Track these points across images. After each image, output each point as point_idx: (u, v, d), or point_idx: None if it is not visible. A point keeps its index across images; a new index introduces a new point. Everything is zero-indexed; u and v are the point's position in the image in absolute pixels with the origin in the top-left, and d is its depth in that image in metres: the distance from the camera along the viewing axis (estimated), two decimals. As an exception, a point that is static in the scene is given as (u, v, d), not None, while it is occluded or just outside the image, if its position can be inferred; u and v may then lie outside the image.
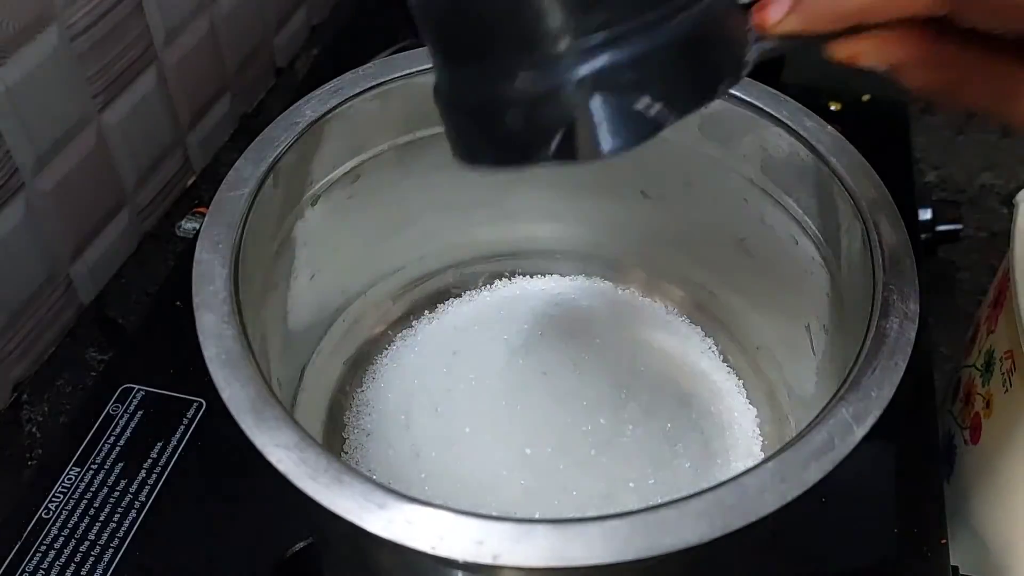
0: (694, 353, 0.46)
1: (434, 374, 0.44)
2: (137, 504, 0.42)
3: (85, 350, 0.53)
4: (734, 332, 0.47)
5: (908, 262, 0.33)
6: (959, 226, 0.56)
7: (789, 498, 0.26)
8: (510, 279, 0.50)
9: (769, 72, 0.35)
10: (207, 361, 0.29)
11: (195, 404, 0.46)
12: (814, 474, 0.27)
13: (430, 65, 0.40)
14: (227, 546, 0.41)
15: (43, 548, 0.41)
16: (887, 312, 0.32)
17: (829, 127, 0.38)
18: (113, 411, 0.45)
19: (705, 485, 0.27)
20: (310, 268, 0.41)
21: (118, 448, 0.44)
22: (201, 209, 0.59)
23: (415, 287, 0.48)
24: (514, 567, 0.25)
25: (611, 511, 0.26)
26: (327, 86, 0.38)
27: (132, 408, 0.45)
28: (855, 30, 0.24)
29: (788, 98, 0.39)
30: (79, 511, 0.42)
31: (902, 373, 0.30)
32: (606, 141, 0.23)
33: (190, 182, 0.63)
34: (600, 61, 0.23)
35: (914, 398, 0.46)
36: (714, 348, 0.46)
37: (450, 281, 0.49)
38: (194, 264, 0.32)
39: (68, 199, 0.51)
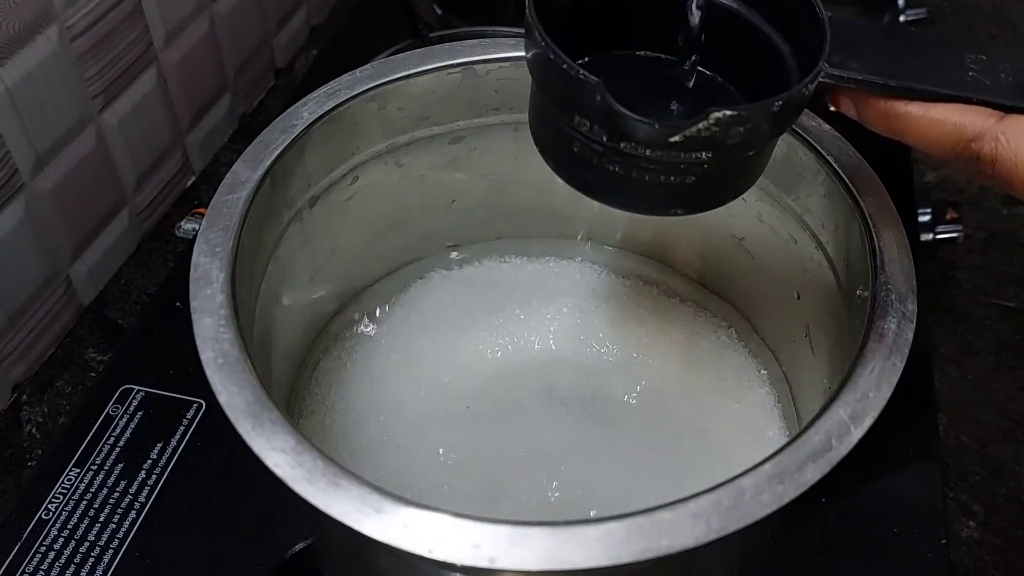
0: (704, 347, 0.46)
1: (434, 375, 0.44)
2: (137, 505, 0.42)
3: (85, 350, 0.53)
4: (733, 332, 0.47)
5: (907, 262, 0.33)
6: (959, 229, 0.56)
7: (787, 500, 0.26)
8: (510, 278, 0.49)
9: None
10: (204, 365, 0.29)
11: (195, 405, 0.46)
12: (812, 475, 0.27)
13: (428, 66, 0.40)
14: (227, 546, 0.41)
15: (43, 548, 0.41)
16: (885, 312, 0.31)
17: (829, 127, 0.38)
18: (113, 412, 0.45)
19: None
20: (308, 270, 0.41)
21: (118, 449, 0.44)
22: (201, 210, 0.59)
23: (414, 288, 0.48)
24: (511, 571, 0.25)
25: (610, 513, 0.26)
26: (325, 88, 0.38)
27: (132, 409, 0.46)
28: None
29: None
30: (79, 512, 0.42)
31: (900, 373, 0.30)
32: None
33: (190, 182, 0.63)
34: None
35: (913, 398, 0.46)
36: (729, 339, 0.46)
37: (449, 281, 0.49)
38: (191, 268, 0.32)
39: (68, 199, 0.51)
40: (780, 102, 0.27)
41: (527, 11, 0.28)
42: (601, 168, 0.29)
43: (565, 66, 0.27)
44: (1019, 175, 0.28)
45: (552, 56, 0.27)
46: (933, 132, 0.29)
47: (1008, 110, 0.29)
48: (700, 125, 0.26)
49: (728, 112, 0.26)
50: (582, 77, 0.27)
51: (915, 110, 0.29)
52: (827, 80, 0.29)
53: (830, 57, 0.28)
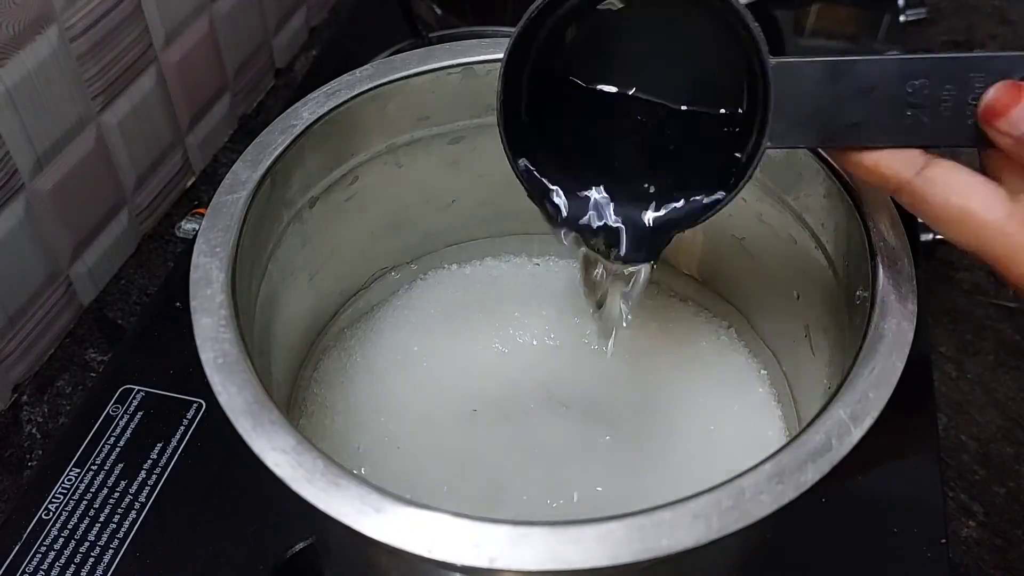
0: (704, 347, 0.46)
1: (434, 375, 0.44)
2: (137, 505, 0.42)
3: (85, 351, 0.53)
4: (733, 332, 0.47)
5: (907, 262, 0.33)
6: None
7: (786, 500, 0.26)
8: (510, 278, 0.49)
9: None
10: (204, 365, 0.29)
11: (195, 405, 0.46)
12: (811, 475, 0.27)
13: (428, 66, 0.40)
14: (227, 546, 0.41)
15: (43, 548, 0.41)
16: (885, 312, 0.31)
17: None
18: (113, 412, 0.45)
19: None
20: (308, 270, 0.41)
21: (118, 449, 0.44)
22: (200, 210, 0.59)
23: (414, 288, 0.48)
24: (511, 570, 0.25)
25: (610, 513, 0.26)
26: (324, 88, 0.38)
27: (132, 409, 0.46)
28: None
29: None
30: (79, 512, 0.42)
31: (900, 373, 0.30)
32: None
33: (189, 183, 0.63)
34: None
35: (913, 398, 0.46)
36: (729, 339, 0.46)
37: (448, 281, 0.49)
38: (191, 268, 0.32)
39: (68, 200, 0.51)
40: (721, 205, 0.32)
41: (503, 148, 0.33)
42: None
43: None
44: (943, 225, 0.29)
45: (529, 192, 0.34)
46: (872, 178, 0.30)
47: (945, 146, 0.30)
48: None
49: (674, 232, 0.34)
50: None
51: (854, 157, 0.31)
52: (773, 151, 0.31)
53: (772, 127, 0.30)
